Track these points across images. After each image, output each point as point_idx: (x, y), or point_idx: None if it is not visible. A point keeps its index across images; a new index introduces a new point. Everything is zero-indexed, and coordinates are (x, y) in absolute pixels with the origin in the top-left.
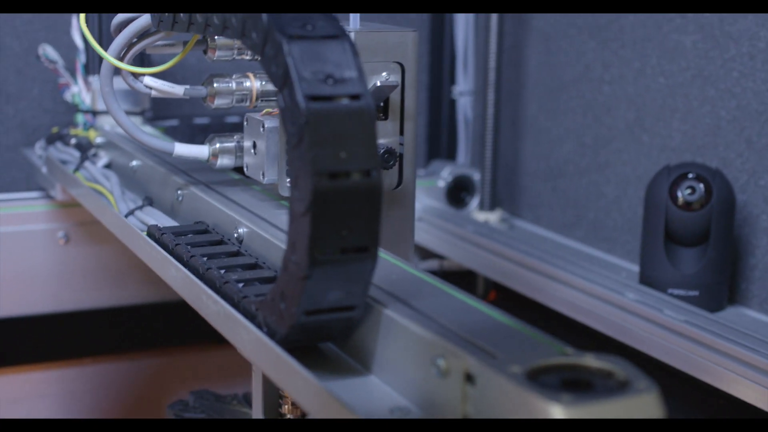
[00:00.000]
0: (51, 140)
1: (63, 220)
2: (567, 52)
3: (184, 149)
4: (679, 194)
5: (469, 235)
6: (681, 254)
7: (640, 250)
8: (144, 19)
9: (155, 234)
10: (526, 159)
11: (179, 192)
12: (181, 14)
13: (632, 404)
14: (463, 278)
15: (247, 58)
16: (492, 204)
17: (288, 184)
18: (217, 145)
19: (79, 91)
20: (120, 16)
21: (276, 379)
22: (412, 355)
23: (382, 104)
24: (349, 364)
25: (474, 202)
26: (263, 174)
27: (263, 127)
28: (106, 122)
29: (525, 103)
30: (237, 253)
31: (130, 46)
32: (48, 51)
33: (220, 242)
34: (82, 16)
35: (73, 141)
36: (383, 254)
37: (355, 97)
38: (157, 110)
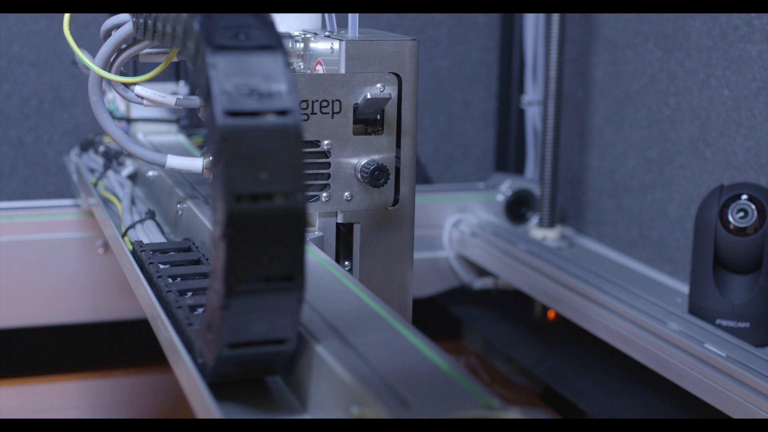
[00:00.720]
0: (84, 147)
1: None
2: (633, 62)
3: (176, 161)
4: (730, 217)
5: (518, 254)
6: (731, 282)
7: (690, 277)
8: (129, 26)
9: (136, 251)
10: (591, 173)
11: (179, 206)
12: (149, 22)
13: None
14: (518, 297)
15: None
16: (551, 220)
17: None
18: (211, 158)
19: (114, 98)
20: (108, 22)
21: (199, 414)
22: (333, 398)
23: (379, 117)
24: (288, 402)
25: (535, 218)
26: None
27: None
28: (140, 130)
29: (591, 114)
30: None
31: (119, 52)
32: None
33: (197, 262)
34: (66, 18)
35: (101, 149)
36: (346, 281)
37: (282, 113)
38: (193, 118)
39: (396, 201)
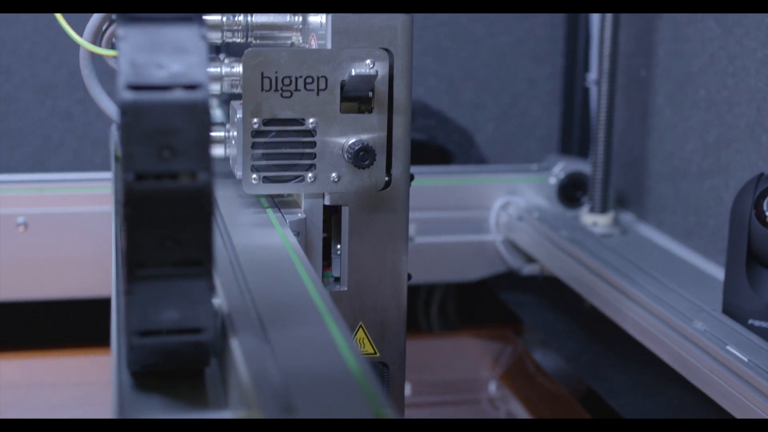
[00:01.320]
0: None
1: None
2: (693, 40)
3: None
4: (766, 209)
5: (557, 239)
6: (765, 279)
7: (724, 274)
8: None
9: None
10: (651, 157)
11: None
12: None
13: None
14: (565, 285)
15: (239, 40)
16: (603, 206)
17: (253, 181)
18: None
19: None
20: None
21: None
22: (237, 395)
23: (371, 94)
24: (213, 397)
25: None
26: (236, 168)
27: (237, 115)
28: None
29: (653, 94)
30: None
31: (109, 24)
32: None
33: None
34: None
35: None
36: (301, 268)
37: (190, 87)
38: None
39: (387, 184)
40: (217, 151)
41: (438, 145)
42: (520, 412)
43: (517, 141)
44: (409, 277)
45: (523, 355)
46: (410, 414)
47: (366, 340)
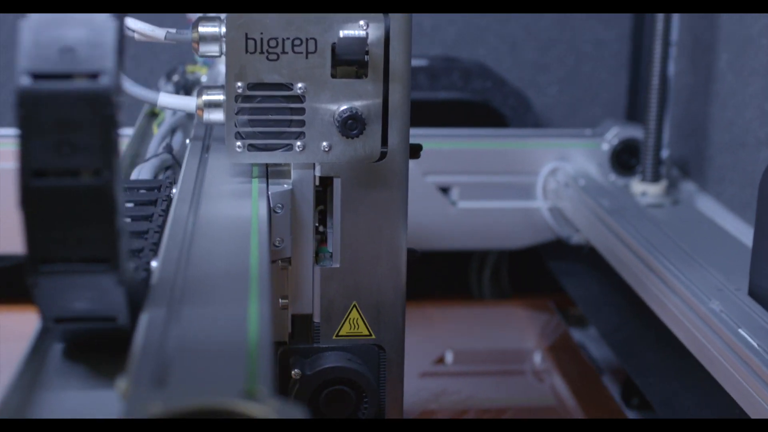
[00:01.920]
0: (169, 76)
1: None
2: None
3: (169, 100)
4: None
5: (596, 209)
6: None
7: (751, 253)
8: None
9: None
10: (713, 124)
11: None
12: None
13: None
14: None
15: None
16: (654, 174)
17: (237, 149)
18: (204, 98)
19: None
20: None
21: None
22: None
23: (367, 58)
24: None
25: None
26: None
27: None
28: (221, 61)
29: (716, 59)
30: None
31: None
32: None
33: (151, 203)
34: None
35: (175, 78)
36: (254, 239)
37: (94, 75)
38: None
39: (383, 155)
40: (213, 116)
41: (493, 108)
42: (562, 387)
43: (581, 105)
44: (416, 254)
45: (566, 328)
46: (449, 383)
47: (360, 321)
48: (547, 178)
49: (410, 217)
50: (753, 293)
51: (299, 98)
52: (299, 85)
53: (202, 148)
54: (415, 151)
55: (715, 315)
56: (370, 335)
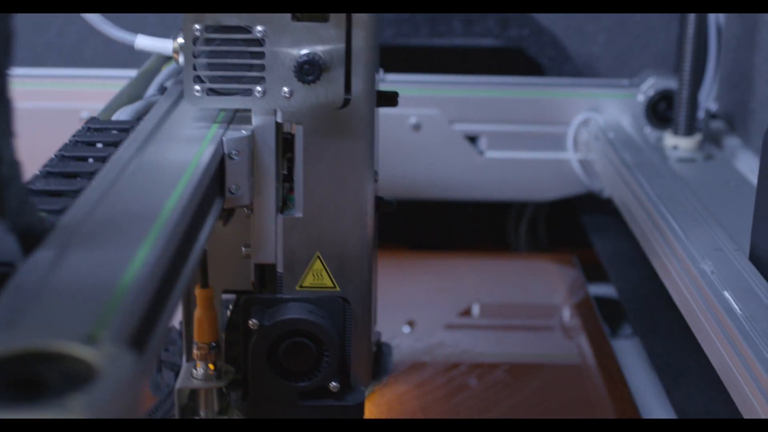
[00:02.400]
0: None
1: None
2: None
3: (146, 42)
4: None
5: (616, 162)
6: None
7: (753, 215)
8: None
9: (83, 128)
10: (757, 76)
11: None
12: None
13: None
14: None
15: None
16: (688, 127)
17: (196, 93)
18: (179, 41)
19: None
20: None
21: None
22: None
23: None
24: None
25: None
26: None
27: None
28: None
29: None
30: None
31: None
32: None
33: (114, 144)
34: None
35: None
36: (181, 186)
37: None
38: None
39: (346, 102)
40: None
41: (529, 57)
42: (586, 347)
43: (631, 55)
44: (392, 205)
45: (567, 284)
46: (472, 337)
47: (324, 272)
48: (579, 129)
49: (436, 166)
50: (753, 255)
51: (259, 42)
52: (259, 28)
53: (180, 92)
54: (389, 98)
55: (703, 276)
56: (335, 287)
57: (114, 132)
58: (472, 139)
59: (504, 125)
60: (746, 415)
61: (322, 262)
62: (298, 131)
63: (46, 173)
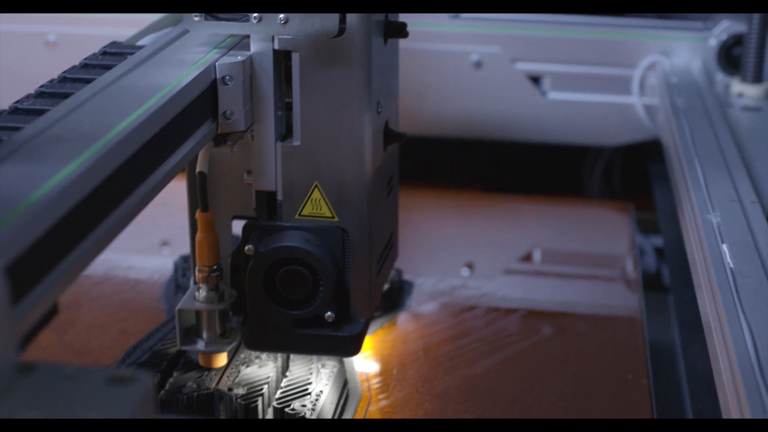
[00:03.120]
0: None
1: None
2: None
3: None
4: None
5: (666, 106)
6: None
7: None
8: None
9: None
10: None
11: None
12: None
13: None
14: None
15: None
16: (756, 74)
17: (194, 17)
18: None
19: None
20: None
21: None
22: None
23: None
24: None
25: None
26: None
27: None
28: None
29: None
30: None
31: None
32: None
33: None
34: None
35: None
36: (145, 107)
37: None
38: None
39: (341, 31)
40: None
41: None
42: (620, 299)
43: None
44: (401, 138)
45: (610, 232)
46: (527, 284)
47: (323, 202)
48: (646, 73)
49: (497, 105)
50: None
51: None
52: None
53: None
54: (398, 29)
55: (707, 226)
56: (333, 217)
57: (128, 57)
58: (535, 79)
59: (568, 66)
60: (715, 371)
61: (320, 191)
62: (294, 59)
63: (40, 93)
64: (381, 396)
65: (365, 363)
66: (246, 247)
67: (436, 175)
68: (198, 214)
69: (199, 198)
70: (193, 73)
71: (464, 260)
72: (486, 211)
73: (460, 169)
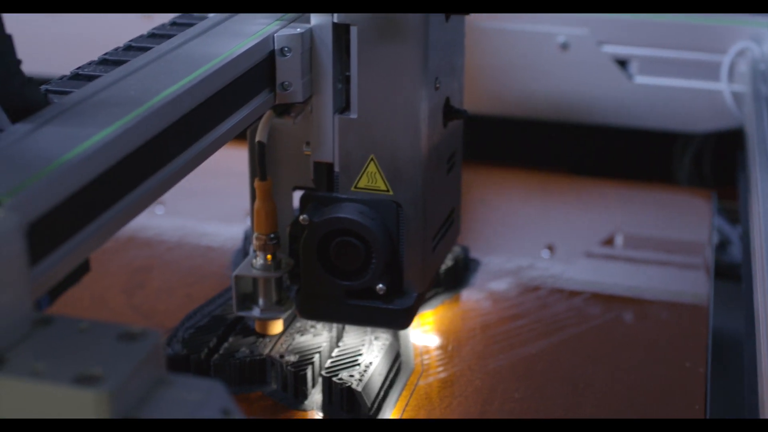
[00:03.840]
0: None
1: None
2: None
3: None
4: None
5: (751, 96)
6: None
7: None
8: None
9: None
10: None
11: None
12: None
13: None
14: None
15: None
16: None
17: None
18: None
19: None
20: None
21: None
22: None
23: None
24: None
25: None
26: None
27: None
28: None
29: None
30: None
31: None
32: None
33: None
34: None
35: None
36: (196, 73)
37: None
38: None
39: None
40: None
41: None
42: (689, 286)
43: None
44: (462, 115)
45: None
46: (596, 267)
47: (378, 175)
48: (735, 59)
49: (582, 88)
50: None
51: None
52: None
53: None
54: None
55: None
56: (388, 191)
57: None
58: (622, 63)
59: (656, 50)
60: (759, 363)
61: (376, 164)
62: (352, 32)
63: (103, 60)
64: (432, 371)
65: (421, 337)
66: (301, 217)
67: (520, 157)
68: (256, 183)
69: (258, 167)
70: (250, 44)
71: (545, 242)
72: (570, 193)
73: (546, 150)
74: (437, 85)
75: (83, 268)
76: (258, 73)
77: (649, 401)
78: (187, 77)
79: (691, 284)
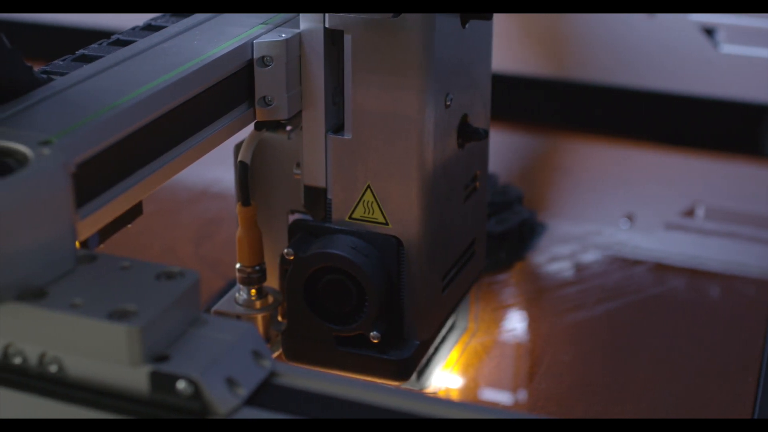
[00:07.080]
0: None
1: None
2: None
3: None
4: None
5: None
6: None
7: None
8: None
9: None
10: None
11: None
12: None
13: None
14: None
15: None
16: None
17: None
18: None
19: None
20: None
21: None
22: None
23: None
24: None
25: None
26: None
27: None
28: None
29: None
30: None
31: None
32: None
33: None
34: None
35: None
36: (182, 69)
37: None
38: None
39: None
40: None
41: None
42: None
43: None
44: (481, 135)
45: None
46: (664, 237)
47: (375, 206)
48: None
49: (666, 57)
50: None
51: None
52: None
53: None
54: None
55: None
56: (387, 224)
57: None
58: (709, 31)
59: (745, 18)
60: None
61: (373, 193)
62: (346, 41)
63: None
64: (485, 331)
65: (476, 297)
66: (285, 250)
67: (603, 124)
68: (238, 208)
69: (239, 190)
70: (224, 50)
71: (624, 211)
72: (652, 163)
73: (629, 119)
74: (447, 103)
75: (136, 211)
76: (233, 85)
77: (697, 374)
78: (148, 84)
79: (757, 258)
